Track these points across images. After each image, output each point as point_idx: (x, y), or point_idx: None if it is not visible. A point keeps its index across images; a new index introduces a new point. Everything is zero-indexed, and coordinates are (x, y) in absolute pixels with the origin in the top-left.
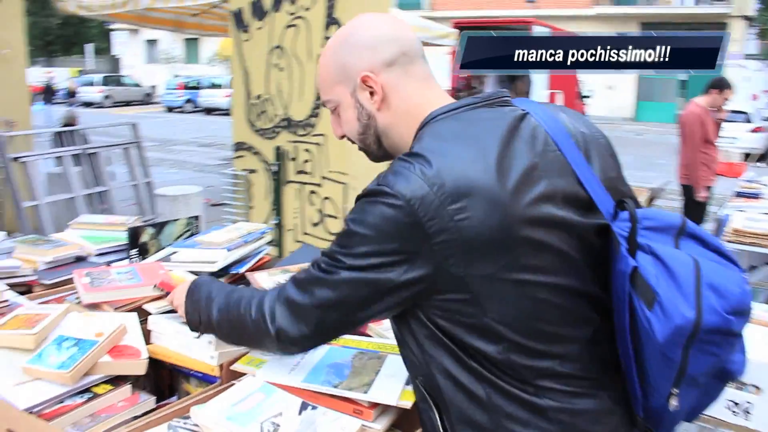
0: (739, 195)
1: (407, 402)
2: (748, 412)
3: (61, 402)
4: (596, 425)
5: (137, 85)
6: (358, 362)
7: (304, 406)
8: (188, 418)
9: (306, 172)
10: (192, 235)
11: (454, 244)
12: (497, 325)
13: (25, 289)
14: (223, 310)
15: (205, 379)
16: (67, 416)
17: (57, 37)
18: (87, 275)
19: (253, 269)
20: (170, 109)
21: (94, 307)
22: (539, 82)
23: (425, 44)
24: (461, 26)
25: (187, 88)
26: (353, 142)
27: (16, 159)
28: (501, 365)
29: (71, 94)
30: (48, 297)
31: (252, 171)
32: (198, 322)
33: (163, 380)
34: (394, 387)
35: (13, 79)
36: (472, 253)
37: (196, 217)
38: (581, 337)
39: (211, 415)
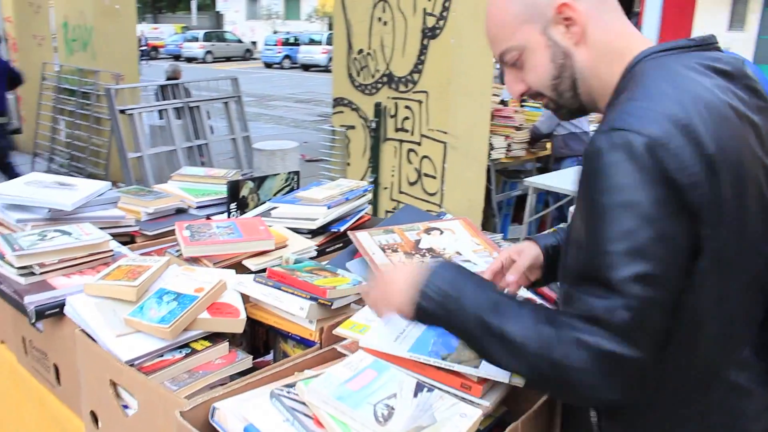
0: None
1: (519, 380)
2: None
3: (161, 356)
4: (756, 423)
5: (239, 41)
6: None
7: (419, 388)
8: (292, 386)
9: (405, 130)
10: (291, 190)
11: (706, 201)
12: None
13: (127, 239)
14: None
15: (303, 342)
16: (166, 371)
17: None
18: (188, 228)
19: (352, 228)
20: (268, 65)
21: (193, 260)
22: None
23: None
24: None
25: (285, 44)
26: (536, 98)
27: (122, 111)
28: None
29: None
30: (149, 248)
31: (350, 127)
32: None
33: (259, 337)
34: None
35: (123, 34)
36: (718, 214)
37: (297, 173)
38: (759, 318)
39: (321, 393)
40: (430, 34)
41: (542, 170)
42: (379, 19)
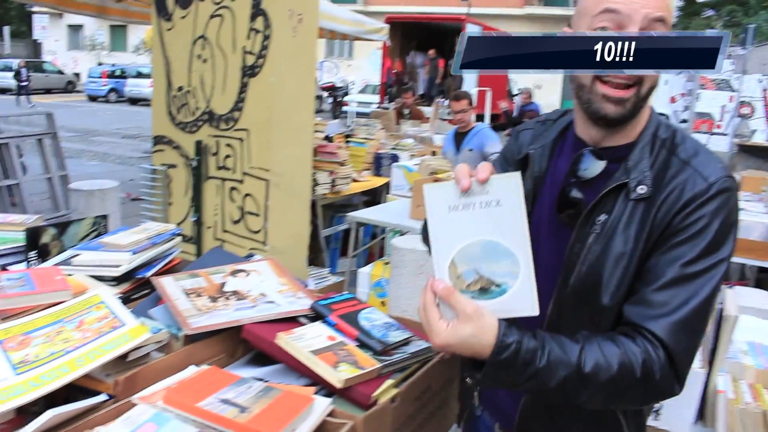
0: None
1: None
2: (658, 413)
3: None
4: None
5: (60, 72)
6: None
7: None
8: None
9: (227, 168)
10: (99, 235)
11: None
12: None
13: None
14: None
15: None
16: None
17: None
18: None
19: (161, 273)
20: (93, 99)
21: None
22: (469, 79)
23: (356, 38)
24: (393, 21)
25: (111, 76)
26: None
27: None
28: None
29: None
30: None
31: (171, 166)
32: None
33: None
34: None
35: None
36: None
37: (104, 217)
38: None
39: None
40: (249, 72)
41: (369, 203)
42: (199, 56)
